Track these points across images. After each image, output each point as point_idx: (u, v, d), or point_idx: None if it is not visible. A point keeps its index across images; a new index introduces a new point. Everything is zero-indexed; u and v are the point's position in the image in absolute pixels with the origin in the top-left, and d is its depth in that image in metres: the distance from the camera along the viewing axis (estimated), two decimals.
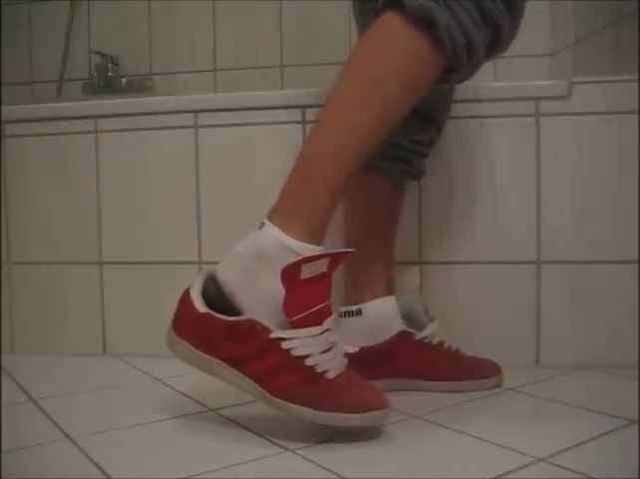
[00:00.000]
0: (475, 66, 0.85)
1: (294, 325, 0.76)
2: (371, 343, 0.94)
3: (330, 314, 0.78)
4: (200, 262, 1.21)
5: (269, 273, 0.76)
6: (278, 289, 0.75)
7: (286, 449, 0.77)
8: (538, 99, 1.10)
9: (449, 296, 1.13)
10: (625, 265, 1.09)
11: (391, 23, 0.81)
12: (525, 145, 1.11)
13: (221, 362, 0.78)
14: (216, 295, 0.81)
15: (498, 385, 0.99)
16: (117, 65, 1.96)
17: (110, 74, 1.95)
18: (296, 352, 0.75)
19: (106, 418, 0.91)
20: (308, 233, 0.78)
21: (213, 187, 1.22)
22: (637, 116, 1.07)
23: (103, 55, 1.95)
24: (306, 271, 0.74)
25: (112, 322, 1.27)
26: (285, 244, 0.76)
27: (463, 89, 1.10)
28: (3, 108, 1.30)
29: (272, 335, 0.75)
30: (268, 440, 0.79)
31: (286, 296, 0.75)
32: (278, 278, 0.74)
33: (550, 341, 1.11)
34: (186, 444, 0.81)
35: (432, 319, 1.01)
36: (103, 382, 1.10)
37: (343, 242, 1.06)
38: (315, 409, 0.75)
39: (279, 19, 1.89)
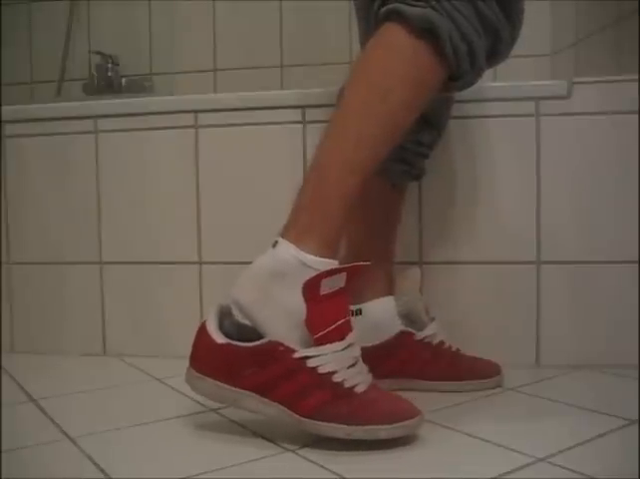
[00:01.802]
0: (477, 73, 0.86)
1: (318, 342, 0.75)
2: (371, 343, 0.94)
3: (351, 330, 0.77)
4: (200, 262, 1.21)
5: (287, 290, 0.75)
6: (298, 305, 0.74)
7: (286, 449, 0.77)
8: (538, 99, 1.10)
9: (449, 296, 1.13)
10: (625, 265, 1.09)
11: (393, 33, 0.81)
12: (525, 145, 1.11)
13: (246, 392, 0.77)
14: (232, 329, 0.80)
15: (498, 385, 0.99)
16: (117, 65, 1.96)
17: (110, 74, 1.95)
18: (323, 369, 0.75)
19: (106, 418, 0.91)
20: (324, 247, 0.77)
21: (213, 187, 1.22)
22: (637, 116, 1.07)
23: (103, 55, 1.95)
24: (325, 287, 0.74)
25: (112, 322, 1.27)
26: (302, 261, 0.75)
27: None
28: (3, 108, 1.30)
29: (297, 355, 0.74)
30: (268, 440, 0.79)
31: (308, 312, 0.74)
32: (298, 294, 0.74)
33: (550, 341, 1.11)
34: (186, 444, 0.81)
35: (432, 319, 1.01)
36: (103, 382, 1.10)
37: (343, 243, 1.06)
38: (349, 425, 0.74)
39: (279, 19, 1.89)
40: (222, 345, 0.78)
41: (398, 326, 0.98)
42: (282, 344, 0.75)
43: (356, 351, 0.78)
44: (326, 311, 0.75)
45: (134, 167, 1.25)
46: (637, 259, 1.08)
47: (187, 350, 1.23)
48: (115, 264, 1.26)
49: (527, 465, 0.71)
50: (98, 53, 1.95)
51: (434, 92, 0.84)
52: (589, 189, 1.10)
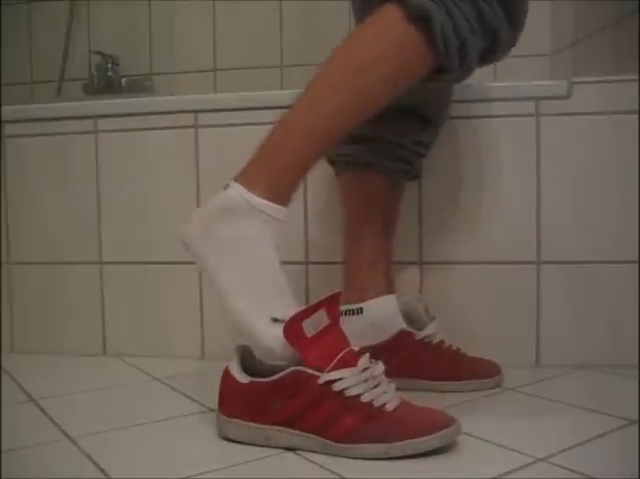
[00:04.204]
0: (466, 70, 0.86)
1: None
2: (371, 343, 0.94)
3: (359, 357, 0.77)
4: None
5: (232, 224, 0.78)
6: (238, 238, 0.77)
7: (287, 449, 0.77)
8: (538, 99, 1.10)
9: (449, 296, 1.13)
10: (625, 265, 1.09)
11: (389, 13, 0.82)
12: (525, 145, 1.11)
13: (276, 427, 0.77)
14: (256, 369, 0.81)
15: (498, 385, 0.99)
16: (117, 65, 1.96)
17: (110, 74, 1.95)
18: (349, 392, 0.74)
19: (106, 418, 0.91)
20: (272, 192, 0.79)
21: (213, 187, 1.21)
22: (637, 116, 1.07)
23: (103, 55, 1.95)
24: (309, 328, 0.75)
25: (112, 322, 1.27)
26: (249, 201, 0.78)
27: (463, 89, 1.10)
28: (3, 108, 1.30)
29: (321, 381, 0.74)
30: None
31: (305, 356, 0.75)
32: (240, 229, 0.77)
33: (550, 341, 1.11)
34: (186, 444, 0.81)
35: (432, 319, 1.01)
36: (103, 382, 1.10)
37: (343, 242, 1.06)
38: (386, 443, 0.73)
39: (279, 19, 1.89)
40: (246, 385, 0.79)
41: (398, 326, 0.98)
42: (305, 372, 0.75)
43: (376, 371, 0.77)
44: (322, 349, 0.75)
45: (134, 167, 1.25)
46: (637, 259, 1.08)
47: (187, 350, 1.24)
48: (115, 264, 1.26)
49: (527, 465, 0.71)
50: (98, 53, 1.95)
51: (417, 79, 0.84)
52: (589, 189, 1.10)
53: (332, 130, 0.82)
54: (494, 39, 0.85)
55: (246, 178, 0.80)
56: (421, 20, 0.80)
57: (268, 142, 0.82)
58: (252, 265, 0.78)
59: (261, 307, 0.77)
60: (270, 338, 0.76)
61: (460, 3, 0.81)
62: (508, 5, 0.84)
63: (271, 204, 0.78)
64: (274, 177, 0.80)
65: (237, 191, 0.79)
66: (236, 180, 0.81)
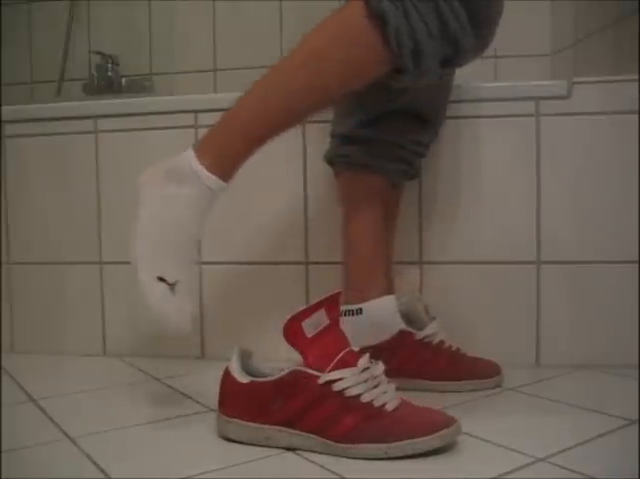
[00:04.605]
0: (422, 74, 0.86)
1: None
2: (371, 343, 0.94)
3: (360, 357, 0.77)
4: (200, 262, 1.21)
5: (174, 184, 0.84)
6: (172, 194, 0.83)
7: (287, 449, 0.77)
8: (538, 99, 1.10)
9: (449, 296, 1.13)
10: (625, 265, 1.09)
11: (352, 9, 0.84)
12: (525, 145, 1.11)
13: (276, 427, 0.77)
14: (256, 369, 0.82)
15: (498, 385, 0.99)
16: (117, 65, 1.96)
17: (110, 74, 1.95)
18: (349, 392, 0.74)
19: (106, 418, 0.91)
20: (216, 166, 0.84)
21: None
22: (637, 116, 1.07)
23: (103, 55, 1.95)
24: (309, 328, 0.75)
25: (112, 322, 1.27)
26: (194, 169, 0.83)
27: (462, 89, 1.10)
28: (3, 108, 1.30)
29: (321, 381, 0.74)
30: None
31: (305, 356, 0.75)
32: (180, 188, 0.83)
33: (550, 341, 1.11)
34: (186, 444, 0.81)
35: (432, 319, 1.01)
36: (103, 382, 1.10)
37: (343, 242, 1.06)
38: (386, 443, 0.73)
39: (279, 19, 1.89)
40: (247, 385, 0.79)
41: (398, 326, 0.98)
42: (304, 372, 0.75)
43: (376, 371, 0.77)
44: (322, 349, 0.76)
45: (134, 167, 1.25)
46: (637, 259, 1.08)
47: (187, 350, 1.24)
48: (115, 264, 1.26)
49: (527, 465, 0.71)
50: (98, 53, 1.95)
51: (372, 75, 0.86)
52: (589, 189, 1.10)
53: (281, 111, 0.86)
54: (456, 46, 0.85)
55: (199, 146, 0.86)
56: (378, 19, 0.82)
57: (223, 117, 0.87)
58: (170, 222, 0.83)
59: (154, 262, 0.82)
60: (145, 291, 0.82)
61: (420, 7, 0.82)
62: (474, 14, 0.84)
63: (210, 175, 0.83)
64: (218, 149, 0.85)
65: (187, 156, 0.84)
66: (193, 147, 0.86)
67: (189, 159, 0.84)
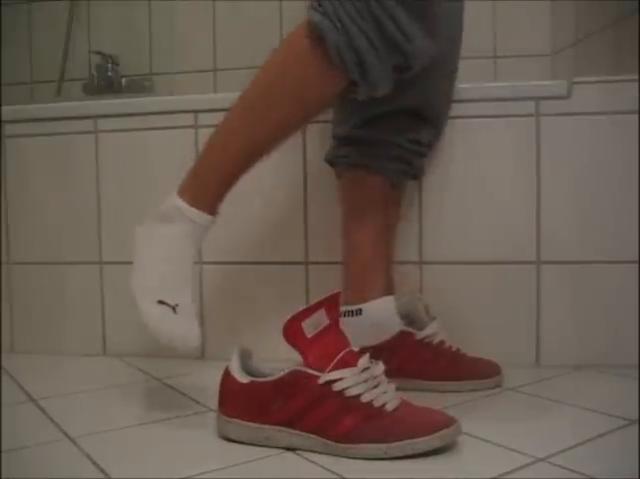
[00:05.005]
0: (375, 83, 0.85)
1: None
2: (371, 343, 0.94)
3: (360, 357, 0.77)
4: (201, 262, 1.21)
5: (163, 224, 0.88)
6: (164, 234, 0.88)
7: (287, 449, 0.77)
8: (538, 99, 1.10)
9: (449, 296, 1.13)
10: (625, 265, 1.09)
11: (299, 32, 0.86)
12: (525, 145, 1.11)
13: (276, 427, 0.77)
14: (256, 369, 0.82)
15: (498, 385, 0.99)
16: (117, 65, 1.96)
17: (110, 74, 1.95)
18: (349, 392, 0.74)
19: (106, 418, 0.91)
20: (198, 201, 0.88)
21: None
22: (637, 116, 1.07)
23: (103, 55, 1.95)
24: (309, 328, 0.75)
25: (112, 322, 1.27)
26: (177, 206, 0.88)
27: (462, 89, 1.10)
28: (3, 108, 1.30)
29: (321, 381, 0.75)
30: None
31: (305, 357, 0.75)
32: (169, 227, 0.88)
33: (550, 341, 1.11)
34: (186, 444, 0.81)
35: (432, 319, 1.01)
36: (103, 382, 1.10)
37: (343, 242, 1.06)
38: (386, 443, 0.73)
39: (279, 19, 1.89)
40: (246, 385, 0.79)
41: (398, 326, 0.98)
42: (305, 372, 0.75)
43: (376, 371, 0.77)
44: (322, 349, 0.76)
45: (134, 167, 1.25)
46: (637, 259, 1.08)
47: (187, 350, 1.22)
48: (115, 264, 1.26)
49: (527, 465, 0.71)
50: (98, 53, 1.95)
51: (329, 93, 0.87)
52: (589, 189, 1.10)
53: (245, 147, 0.88)
54: (402, 51, 0.83)
55: (181, 187, 0.90)
56: (319, 38, 0.82)
57: (199, 156, 0.91)
58: (163, 257, 0.88)
59: (151, 289, 0.87)
60: (146, 314, 0.86)
61: (357, 18, 0.81)
62: (416, 14, 0.82)
63: (195, 210, 0.87)
64: (199, 188, 0.89)
65: (170, 199, 0.89)
66: (176, 189, 0.90)
67: (173, 199, 0.89)
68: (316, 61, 0.84)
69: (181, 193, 0.89)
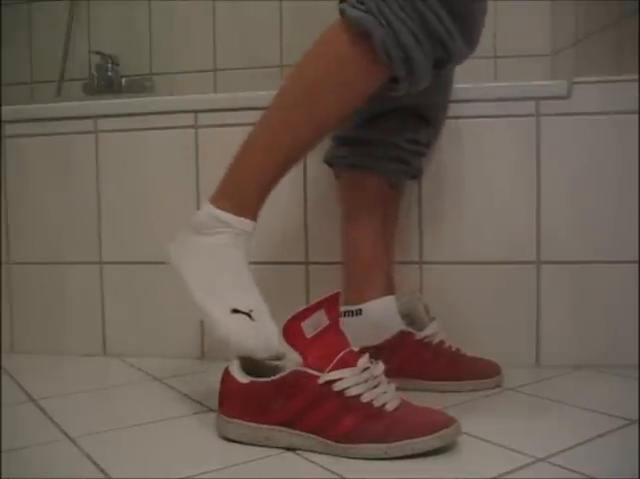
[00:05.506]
0: (417, 79, 0.86)
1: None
2: (372, 343, 0.94)
3: (360, 357, 0.77)
4: None
5: (201, 237, 0.86)
6: (209, 243, 0.85)
7: (287, 449, 0.77)
8: (538, 99, 1.10)
9: (449, 296, 1.13)
10: (625, 265, 1.09)
11: (336, 31, 0.84)
12: (525, 145, 1.11)
13: (276, 427, 0.77)
14: (256, 369, 0.82)
15: (498, 385, 0.99)
16: (117, 65, 1.96)
17: (110, 74, 1.95)
18: (349, 392, 0.74)
19: (106, 418, 0.91)
20: (237, 208, 0.85)
21: (213, 187, 1.21)
22: (637, 116, 1.07)
23: (103, 55, 1.95)
24: (309, 329, 0.75)
25: (112, 322, 1.27)
26: (215, 216, 0.85)
27: (462, 89, 1.10)
28: (3, 108, 1.30)
29: (321, 381, 0.75)
30: None
31: (305, 357, 0.75)
32: (208, 239, 0.85)
33: (550, 341, 1.11)
34: (186, 444, 0.81)
35: (432, 319, 1.01)
36: (103, 382, 1.10)
37: (343, 242, 1.06)
38: (386, 443, 0.73)
39: (279, 19, 1.89)
40: (247, 385, 0.79)
41: (398, 326, 0.98)
42: (305, 372, 0.75)
43: (376, 371, 0.77)
44: (322, 350, 0.76)
45: (134, 167, 1.25)
46: (637, 259, 1.08)
47: (187, 350, 1.24)
48: (115, 264, 1.26)
49: (527, 465, 0.71)
50: (98, 53, 1.95)
51: (371, 90, 0.86)
52: (589, 189, 1.10)
53: (288, 148, 0.86)
54: (444, 47, 0.84)
55: (215, 196, 0.88)
56: (363, 35, 0.82)
57: (233, 161, 0.88)
58: (218, 266, 0.84)
59: (221, 299, 0.83)
60: (225, 326, 0.81)
61: (402, 15, 0.81)
62: (457, 14, 0.83)
63: (236, 217, 0.85)
64: (237, 194, 0.87)
65: (206, 209, 0.87)
66: (209, 199, 0.88)
67: (208, 211, 0.86)
68: (358, 58, 0.83)
69: (217, 200, 0.87)
